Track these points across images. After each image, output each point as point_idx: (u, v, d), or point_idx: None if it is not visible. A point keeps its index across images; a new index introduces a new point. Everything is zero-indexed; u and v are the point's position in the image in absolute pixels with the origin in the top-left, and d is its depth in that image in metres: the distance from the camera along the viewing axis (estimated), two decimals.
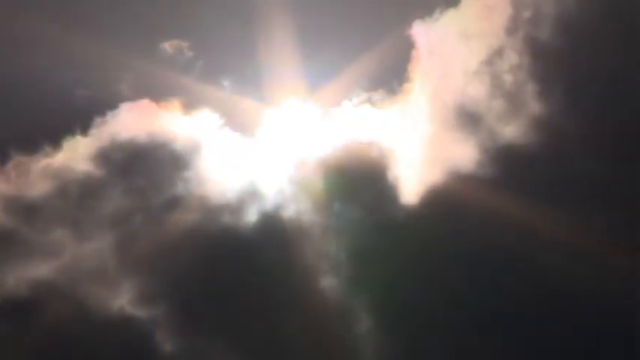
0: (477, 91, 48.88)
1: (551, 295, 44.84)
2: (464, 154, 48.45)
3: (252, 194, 49.04)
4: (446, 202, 47.80)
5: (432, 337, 45.97)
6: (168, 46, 61.47)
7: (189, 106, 51.66)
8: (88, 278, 46.33)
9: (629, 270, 44.18)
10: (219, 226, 47.98)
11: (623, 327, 44.07)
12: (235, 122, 52.12)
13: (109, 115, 50.65)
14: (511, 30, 48.67)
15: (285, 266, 46.86)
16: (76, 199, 48.51)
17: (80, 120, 50.65)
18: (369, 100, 52.79)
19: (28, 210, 47.87)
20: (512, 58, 48.51)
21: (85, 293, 45.91)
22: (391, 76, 52.51)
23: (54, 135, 50.03)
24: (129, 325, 45.46)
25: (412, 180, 49.02)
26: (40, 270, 46.37)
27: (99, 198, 48.34)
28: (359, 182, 49.05)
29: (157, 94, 52.17)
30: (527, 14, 48.45)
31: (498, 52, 48.82)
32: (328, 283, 47.17)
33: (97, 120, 50.61)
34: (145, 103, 51.10)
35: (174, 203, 48.35)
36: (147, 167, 48.96)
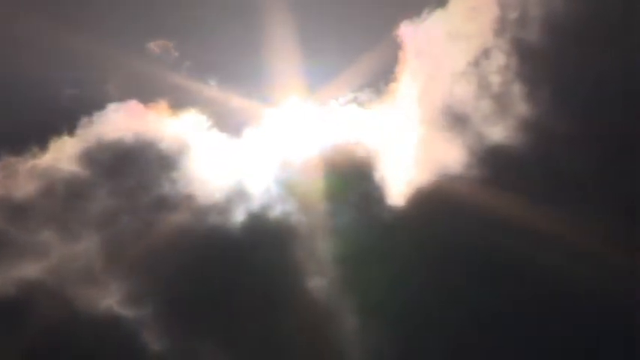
0: (464, 91, 49.06)
1: (545, 296, 45.06)
2: (452, 154, 48.63)
3: (239, 194, 49.21)
4: (434, 203, 48.02)
5: (423, 337, 46.10)
6: (154, 46, 61.56)
7: (177, 106, 51.77)
8: (75, 279, 46.45)
9: (626, 269, 44.30)
10: (207, 227, 48.14)
11: (622, 327, 44.27)
12: (223, 122, 52.34)
13: (96, 116, 50.81)
14: (499, 31, 48.83)
15: (274, 267, 47.06)
16: (64, 199, 48.58)
17: (67, 120, 50.78)
18: (357, 101, 52.98)
19: (15, 211, 47.94)
20: (499, 58, 48.64)
21: (73, 294, 46.01)
22: (379, 77, 52.77)
23: (41, 136, 50.11)
24: (117, 325, 45.58)
25: (400, 180, 49.28)
26: (28, 270, 46.51)
27: (87, 198, 48.45)
28: (347, 183, 49.23)
29: (144, 94, 52.31)
30: (514, 15, 48.59)
31: (486, 53, 48.98)
32: (316, 283, 47.31)
33: (84, 120, 50.76)
34: (133, 103, 51.15)
35: (162, 204, 48.53)
36: (135, 167, 49.11)
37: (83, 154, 49.47)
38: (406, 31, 51.17)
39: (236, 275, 46.54)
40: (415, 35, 51.04)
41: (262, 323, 46.06)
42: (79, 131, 50.52)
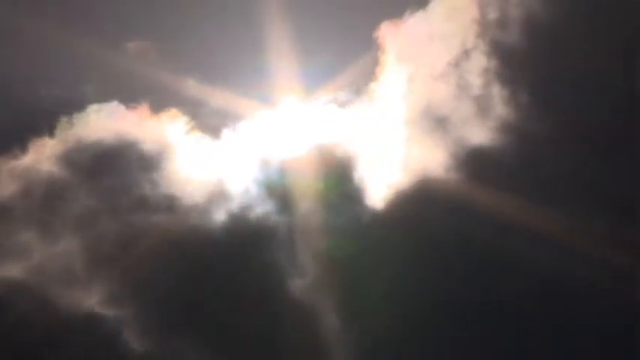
0: (445, 93, 49.30)
1: (528, 296, 45.50)
2: (433, 155, 48.99)
3: (220, 195, 49.51)
4: (415, 204, 48.44)
5: (404, 337, 46.46)
6: (133, 46, 61.60)
7: (157, 106, 51.86)
8: (56, 279, 46.72)
9: (612, 267, 44.63)
10: (188, 227, 48.44)
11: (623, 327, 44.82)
12: (203, 123, 52.46)
13: (77, 117, 50.81)
14: (480, 32, 49.05)
15: (255, 267, 47.55)
16: (44, 200, 48.61)
17: (47, 121, 50.82)
18: (338, 101, 53.19)
19: None
20: (480, 60, 48.87)
21: (54, 294, 46.34)
22: (359, 78, 53.12)
23: (21, 137, 50.08)
24: (98, 325, 45.95)
25: (381, 181, 49.73)
26: (8, 271, 46.54)
27: (67, 199, 48.49)
28: (328, 184, 49.72)
29: (125, 94, 52.38)
30: (495, 17, 48.82)
31: (467, 54, 49.23)
32: (297, 283, 47.80)
33: (64, 121, 50.85)
34: (113, 104, 51.17)
35: (143, 204, 48.54)
36: (115, 168, 49.27)
37: (63, 155, 49.59)
38: (387, 32, 51.28)
39: (217, 275, 47.00)
40: (396, 36, 51.17)
41: (244, 323, 46.43)
42: (59, 132, 50.51)
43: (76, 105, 51.42)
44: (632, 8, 46.91)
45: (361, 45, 53.99)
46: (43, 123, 51.00)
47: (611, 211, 45.44)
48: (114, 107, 51.23)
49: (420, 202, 48.29)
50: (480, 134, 48.36)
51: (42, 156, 49.93)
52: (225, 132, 52.39)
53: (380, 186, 49.55)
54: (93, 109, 50.99)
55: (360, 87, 52.50)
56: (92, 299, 46.36)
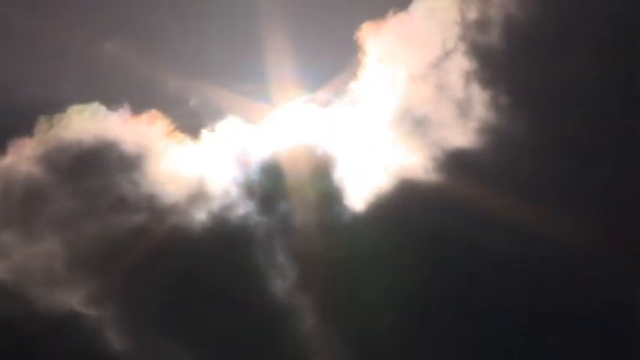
0: (425, 94, 49.79)
1: (506, 296, 46.18)
2: (412, 157, 49.53)
3: (200, 195, 49.88)
4: (394, 205, 48.97)
5: (382, 338, 46.98)
6: (112, 46, 61.51)
7: (138, 107, 52.05)
8: (36, 280, 46.98)
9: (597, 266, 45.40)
10: (168, 228, 48.73)
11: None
12: (183, 123, 52.64)
13: (56, 117, 50.91)
14: (460, 34, 49.56)
15: (236, 266, 47.88)
16: (24, 201, 48.70)
17: (26, 122, 50.81)
18: (317, 102, 53.54)
19: None
20: (461, 61, 49.35)
21: (34, 294, 46.67)
22: (339, 78, 53.08)
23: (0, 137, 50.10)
24: (79, 325, 46.35)
25: (360, 182, 50.15)
26: None
27: (46, 200, 48.54)
28: (306, 184, 50.09)
29: (106, 94, 52.32)
30: (476, 18, 49.35)
31: (447, 56, 49.69)
32: (278, 283, 48.26)
33: (44, 122, 50.90)
34: (94, 105, 51.26)
35: (123, 205, 48.72)
36: (96, 169, 49.40)
37: (43, 155, 49.70)
38: (368, 32, 51.46)
39: (198, 275, 47.34)
40: (377, 37, 51.41)
41: (224, 323, 46.93)
42: (39, 133, 50.60)
43: (55, 105, 51.46)
44: (612, 9, 47.57)
45: (342, 45, 54.13)
46: (23, 123, 50.99)
47: (592, 210, 46.21)
48: (94, 108, 51.22)
49: (400, 203, 48.77)
50: (460, 135, 48.84)
51: (21, 156, 49.95)
52: (205, 132, 52.49)
53: (360, 186, 49.96)
54: (73, 109, 51.01)
55: (340, 87, 52.57)
56: (72, 299, 46.74)
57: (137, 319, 46.88)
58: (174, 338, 46.71)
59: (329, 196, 49.87)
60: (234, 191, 50.03)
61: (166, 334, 46.70)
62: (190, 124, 52.92)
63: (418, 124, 49.62)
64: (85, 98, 52.10)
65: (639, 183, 46.79)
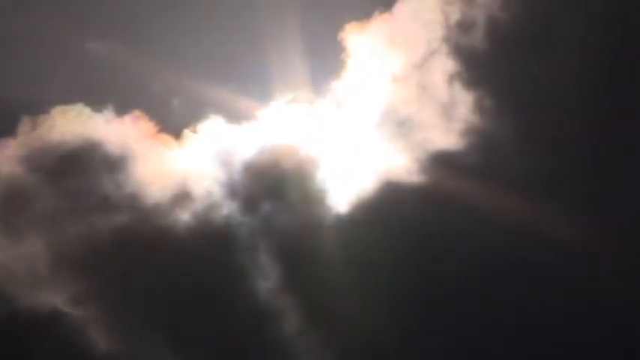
0: (409, 95, 50.19)
1: (492, 298, 46.67)
2: (395, 158, 49.91)
3: (183, 195, 50.19)
4: (377, 206, 49.36)
5: (365, 338, 47.36)
6: (97, 47, 61.39)
7: (122, 108, 52.36)
8: (19, 279, 47.32)
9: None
10: (151, 227, 49.08)
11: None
12: (167, 124, 52.91)
13: (40, 118, 51.15)
14: (444, 35, 49.95)
15: (220, 266, 48.16)
16: (6, 201, 48.85)
17: (9, 122, 50.94)
18: (300, 101, 53.80)
19: None
20: (445, 62, 49.73)
21: (17, 294, 46.87)
22: (322, 79, 53.44)
23: None
24: (63, 325, 46.59)
25: (342, 183, 50.55)
26: None
27: (30, 200, 48.73)
28: (288, 185, 50.36)
29: (90, 95, 52.34)
30: (460, 19, 49.77)
31: (431, 57, 50.07)
32: (259, 284, 48.55)
33: (27, 122, 51.10)
34: (78, 106, 51.46)
35: (106, 205, 49.03)
36: (79, 169, 49.52)
37: (27, 156, 49.84)
38: (351, 33, 51.83)
39: (182, 275, 47.63)
40: (360, 38, 51.78)
41: (208, 323, 47.27)
42: (21, 133, 50.85)
43: (39, 106, 51.52)
44: (595, 9, 47.96)
45: (326, 45, 54.27)
46: (6, 124, 51.17)
47: (577, 210, 46.68)
48: (79, 109, 51.40)
49: (383, 204, 49.12)
50: (444, 136, 49.17)
51: (4, 157, 50.16)
52: (189, 132, 52.69)
53: (343, 187, 50.32)
54: (57, 110, 51.22)
55: (324, 88, 52.86)
56: (56, 299, 47.00)
57: (121, 318, 47.20)
58: (158, 338, 47.00)
59: (312, 197, 50.24)
60: (218, 191, 50.33)
61: (150, 334, 46.99)
62: (174, 124, 53.06)
63: (402, 125, 50.07)
64: (68, 99, 52.26)
65: (624, 183, 47.37)
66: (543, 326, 46.24)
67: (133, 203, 49.43)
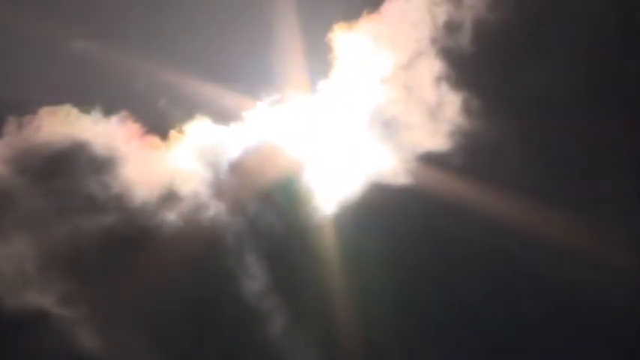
0: (396, 96, 50.51)
1: (482, 301, 47.17)
2: (382, 160, 50.19)
3: (169, 196, 50.38)
4: (364, 208, 49.66)
5: (353, 340, 47.79)
6: (83, 45, 61.29)
7: (109, 108, 52.36)
8: (6, 280, 47.41)
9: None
10: (138, 228, 49.31)
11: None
12: (153, 124, 52.99)
13: (26, 119, 51.26)
14: (432, 36, 50.12)
15: (206, 268, 48.47)
16: None
17: None
18: (287, 101, 53.95)
19: None
20: (433, 63, 49.89)
21: (4, 295, 46.98)
22: (310, 78, 53.56)
23: None
24: (50, 326, 46.73)
25: (330, 184, 50.81)
26: None
27: (16, 201, 48.82)
28: (274, 186, 50.74)
29: (76, 96, 52.27)
30: (448, 20, 49.94)
31: (418, 59, 50.30)
32: (245, 284, 48.77)
33: (14, 123, 51.23)
34: (66, 107, 51.52)
35: (93, 206, 49.27)
36: (66, 170, 49.62)
37: (13, 157, 49.95)
38: (339, 33, 52.09)
39: (168, 276, 47.71)
40: (348, 38, 51.99)
41: (196, 324, 47.61)
42: (7, 134, 50.98)
43: (25, 106, 51.50)
44: (584, 10, 48.29)
45: (313, 46, 54.37)
46: None
47: (565, 211, 47.02)
48: (66, 110, 51.50)
49: (371, 205, 49.41)
50: (431, 138, 49.41)
51: None
52: (175, 133, 52.91)
53: (331, 188, 50.59)
54: (44, 111, 51.31)
55: (311, 88, 53.00)
56: (43, 299, 47.10)
57: (108, 319, 47.36)
58: (145, 339, 47.19)
59: (300, 198, 50.55)
60: (204, 192, 50.53)
61: (137, 334, 47.18)
62: (160, 124, 53.06)
63: (389, 126, 50.36)
64: (56, 100, 52.41)
65: (611, 184, 47.75)
66: (533, 324, 46.87)
67: (120, 204, 49.59)
